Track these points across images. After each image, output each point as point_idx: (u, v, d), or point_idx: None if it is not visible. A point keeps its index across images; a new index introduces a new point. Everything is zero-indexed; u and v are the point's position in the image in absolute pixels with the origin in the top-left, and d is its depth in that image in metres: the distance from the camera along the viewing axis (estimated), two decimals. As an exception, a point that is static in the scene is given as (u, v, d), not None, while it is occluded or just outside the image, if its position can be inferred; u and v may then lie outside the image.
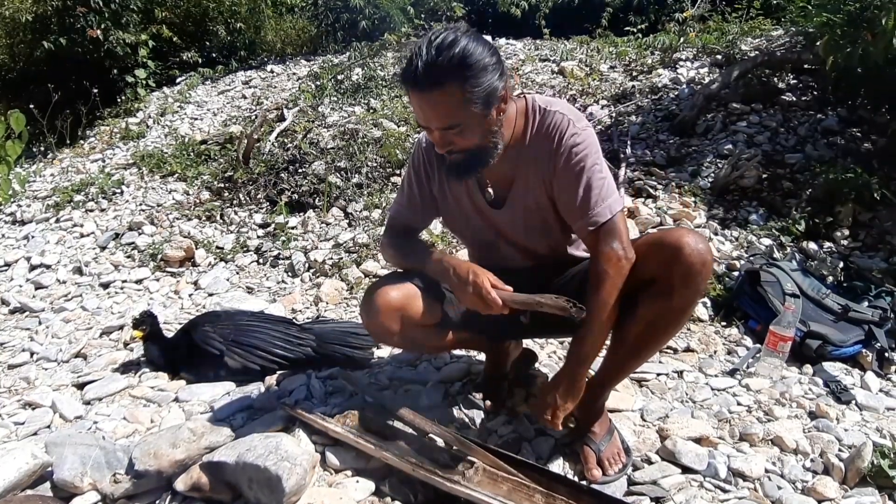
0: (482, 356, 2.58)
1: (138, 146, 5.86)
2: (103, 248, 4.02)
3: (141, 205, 4.50)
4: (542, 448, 2.03)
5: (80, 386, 2.54)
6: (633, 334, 1.81)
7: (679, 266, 1.66)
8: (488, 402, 2.20)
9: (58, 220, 4.46)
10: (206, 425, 1.84)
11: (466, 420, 2.15)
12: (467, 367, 2.43)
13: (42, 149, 6.47)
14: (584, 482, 1.89)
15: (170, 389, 2.43)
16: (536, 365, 2.42)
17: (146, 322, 2.57)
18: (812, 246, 3.46)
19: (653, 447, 2.02)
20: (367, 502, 1.77)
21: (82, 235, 4.20)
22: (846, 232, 3.55)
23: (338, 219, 3.93)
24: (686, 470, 1.93)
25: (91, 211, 4.56)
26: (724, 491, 1.84)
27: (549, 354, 2.61)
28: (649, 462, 1.96)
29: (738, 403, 2.31)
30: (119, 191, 4.78)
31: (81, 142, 6.53)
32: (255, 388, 2.41)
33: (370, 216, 3.85)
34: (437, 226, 3.54)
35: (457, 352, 2.63)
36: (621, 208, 1.74)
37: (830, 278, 3.24)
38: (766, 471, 1.92)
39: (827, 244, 3.48)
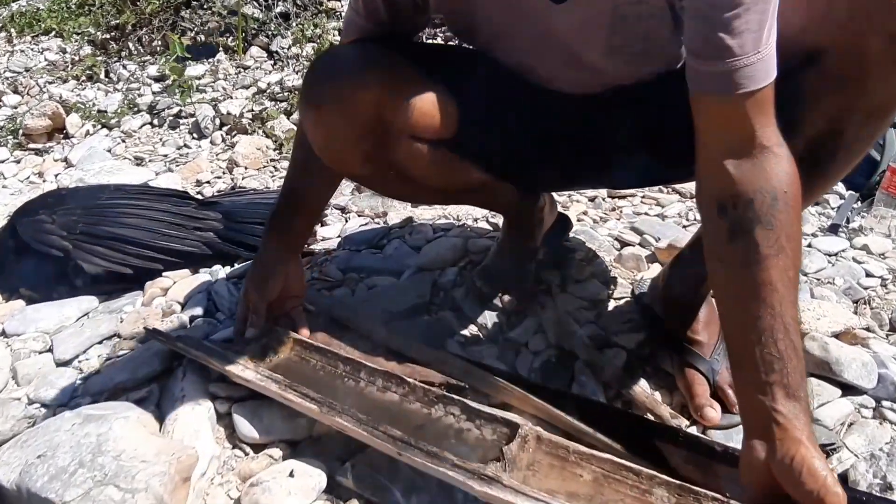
0: (483, 221, 1.70)
1: (11, 9, 4.65)
2: (-41, 132, 2.99)
3: (4, 72, 3.42)
4: (608, 370, 1.19)
5: None
6: None
7: (887, 20, 0.79)
8: (508, 297, 1.33)
9: None
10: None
11: (475, 330, 1.30)
12: (462, 244, 1.55)
13: None
14: (688, 426, 1.09)
15: (-6, 317, 1.52)
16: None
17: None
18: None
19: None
20: (315, 511, 0.93)
21: (-67, 122, 3.14)
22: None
23: (259, 60, 2.93)
24: (846, 389, 1.13)
25: (-53, 93, 3.47)
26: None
27: (580, 217, 1.74)
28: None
29: (868, 274, 1.51)
30: (-20, 62, 3.67)
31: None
32: (128, 303, 1.50)
33: (302, 53, 2.85)
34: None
35: (441, 218, 1.75)
36: None
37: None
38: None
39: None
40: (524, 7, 0.95)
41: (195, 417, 1.03)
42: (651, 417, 1.10)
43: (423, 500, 0.92)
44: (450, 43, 1.15)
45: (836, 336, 1.24)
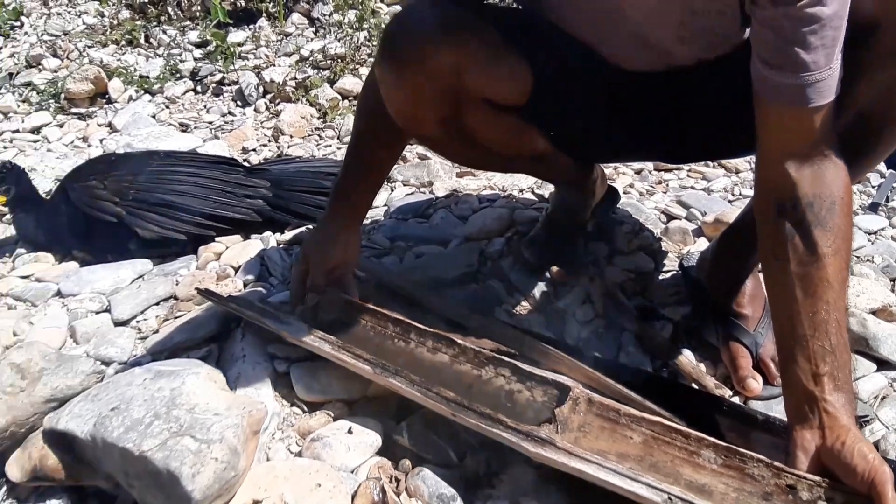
0: (528, 192, 1.71)
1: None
2: (-5, 95, 3.04)
3: (42, 35, 3.45)
4: (655, 342, 1.20)
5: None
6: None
7: None
8: (555, 269, 1.34)
9: (-60, 71, 3.43)
10: (46, 356, 0.97)
11: (523, 300, 1.31)
12: (509, 214, 1.56)
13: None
14: (731, 396, 1.11)
15: (50, 279, 1.56)
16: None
17: (7, 179, 1.65)
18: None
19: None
20: (372, 467, 0.96)
21: (-31, 83, 3.20)
22: None
23: (300, 27, 2.93)
24: (882, 364, 1.15)
25: (-18, 53, 3.52)
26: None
27: (626, 189, 1.74)
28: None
29: (906, 253, 1.50)
30: (17, 23, 3.69)
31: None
32: (182, 266, 1.54)
33: (344, 19, 2.85)
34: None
35: (486, 189, 1.76)
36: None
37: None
38: None
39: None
40: None
41: (256, 376, 1.06)
42: (696, 387, 1.12)
43: (478, 459, 0.95)
44: (517, 8, 1.13)
45: (874, 313, 1.25)
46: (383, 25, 2.74)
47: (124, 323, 1.36)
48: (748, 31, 0.91)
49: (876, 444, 1.00)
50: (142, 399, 0.81)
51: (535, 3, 1.08)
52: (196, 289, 1.33)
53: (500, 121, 1.06)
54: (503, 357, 1.01)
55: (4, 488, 0.94)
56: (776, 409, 1.06)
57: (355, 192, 1.20)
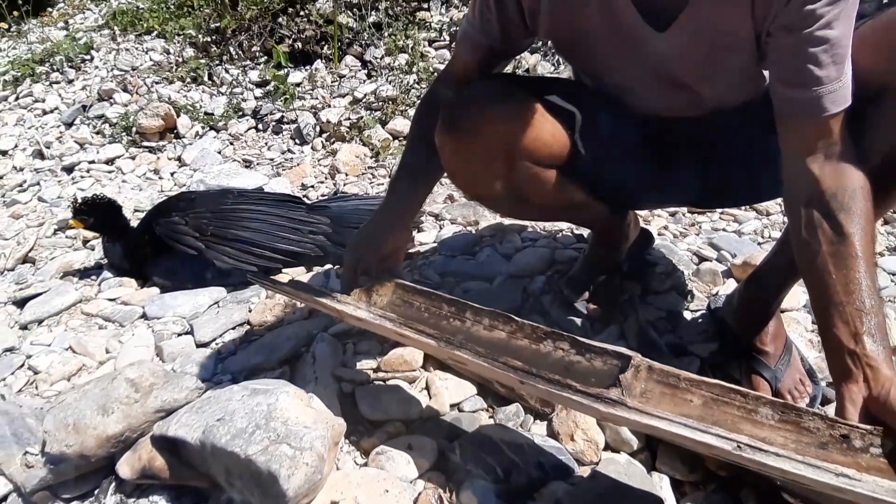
0: (567, 232, 1.85)
1: (111, 5, 4.98)
2: (69, 125, 3.28)
3: (112, 70, 3.70)
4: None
5: (21, 303, 1.85)
6: None
7: None
8: (593, 306, 1.48)
9: (17, 98, 3.70)
10: (155, 373, 1.14)
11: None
12: (550, 254, 1.70)
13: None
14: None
15: (135, 302, 1.74)
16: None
17: (95, 209, 1.84)
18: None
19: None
20: (428, 478, 1.10)
21: (45, 112, 3.47)
22: None
23: (353, 69, 3.12)
24: None
25: (56, 83, 3.78)
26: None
27: (660, 231, 1.86)
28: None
29: (928, 296, 1.58)
30: (88, 57, 3.97)
31: (49, 9, 5.62)
32: (253, 294, 1.71)
33: (394, 63, 3.02)
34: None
35: (529, 228, 1.89)
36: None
37: None
38: None
39: None
40: (628, 34, 1.07)
41: (328, 396, 1.20)
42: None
43: (523, 476, 1.08)
44: (557, 76, 1.28)
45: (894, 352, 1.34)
46: (432, 69, 2.91)
47: (205, 344, 1.53)
48: (767, 75, 1.03)
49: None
50: (243, 412, 0.96)
51: (572, 55, 1.22)
52: (246, 273, 1.48)
53: (545, 177, 1.21)
54: (561, 332, 1.02)
55: (113, 485, 1.10)
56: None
57: (408, 190, 1.27)
